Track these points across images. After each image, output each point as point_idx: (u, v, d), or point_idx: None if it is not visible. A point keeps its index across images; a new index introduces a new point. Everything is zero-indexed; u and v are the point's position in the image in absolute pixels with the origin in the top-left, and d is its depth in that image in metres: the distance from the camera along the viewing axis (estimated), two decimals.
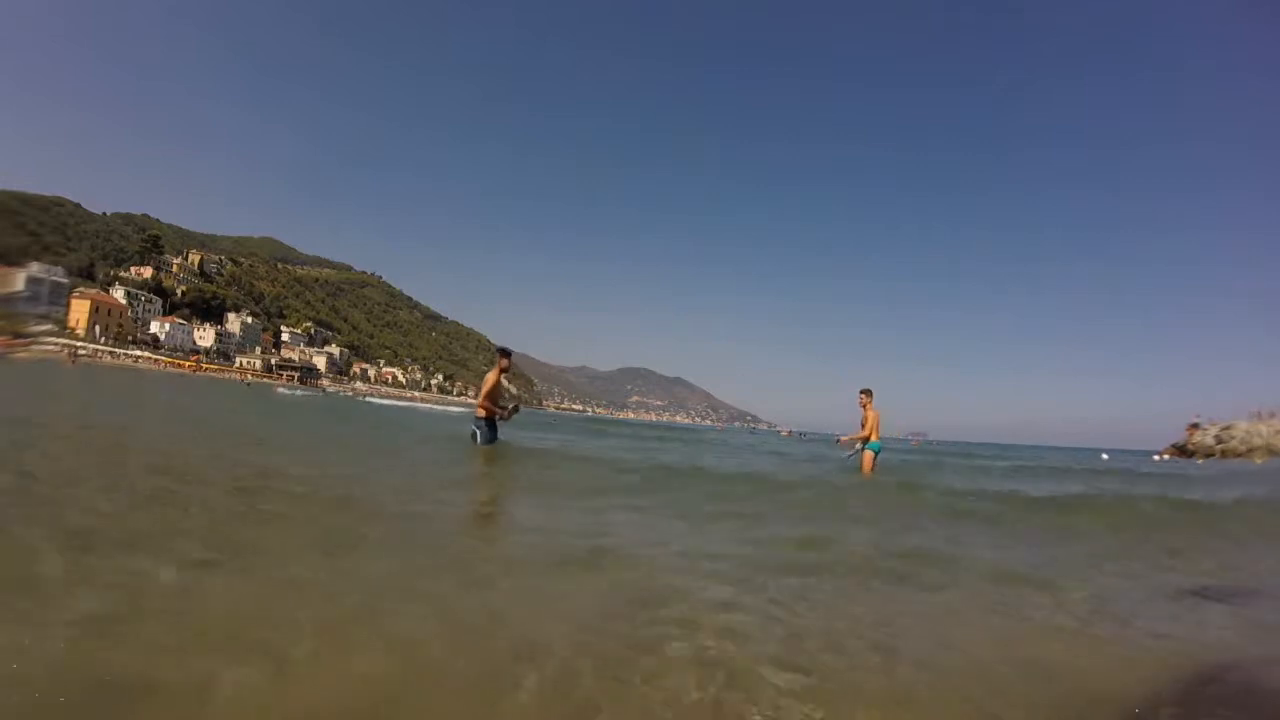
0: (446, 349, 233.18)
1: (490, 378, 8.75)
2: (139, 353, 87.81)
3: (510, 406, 9.07)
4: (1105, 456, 35.19)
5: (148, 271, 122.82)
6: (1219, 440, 38.77)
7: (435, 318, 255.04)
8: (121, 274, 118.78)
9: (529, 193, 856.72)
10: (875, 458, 9.84)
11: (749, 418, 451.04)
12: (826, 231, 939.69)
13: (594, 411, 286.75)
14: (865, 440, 9.86)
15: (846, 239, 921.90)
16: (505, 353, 8.97)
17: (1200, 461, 32.74)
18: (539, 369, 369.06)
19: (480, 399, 8.74)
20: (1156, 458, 38.57)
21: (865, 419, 9.84)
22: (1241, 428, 38.80)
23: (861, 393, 9.91)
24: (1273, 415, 38.40)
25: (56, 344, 65.31)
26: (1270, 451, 35.76)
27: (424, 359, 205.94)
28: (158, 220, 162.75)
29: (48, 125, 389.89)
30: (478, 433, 8.61)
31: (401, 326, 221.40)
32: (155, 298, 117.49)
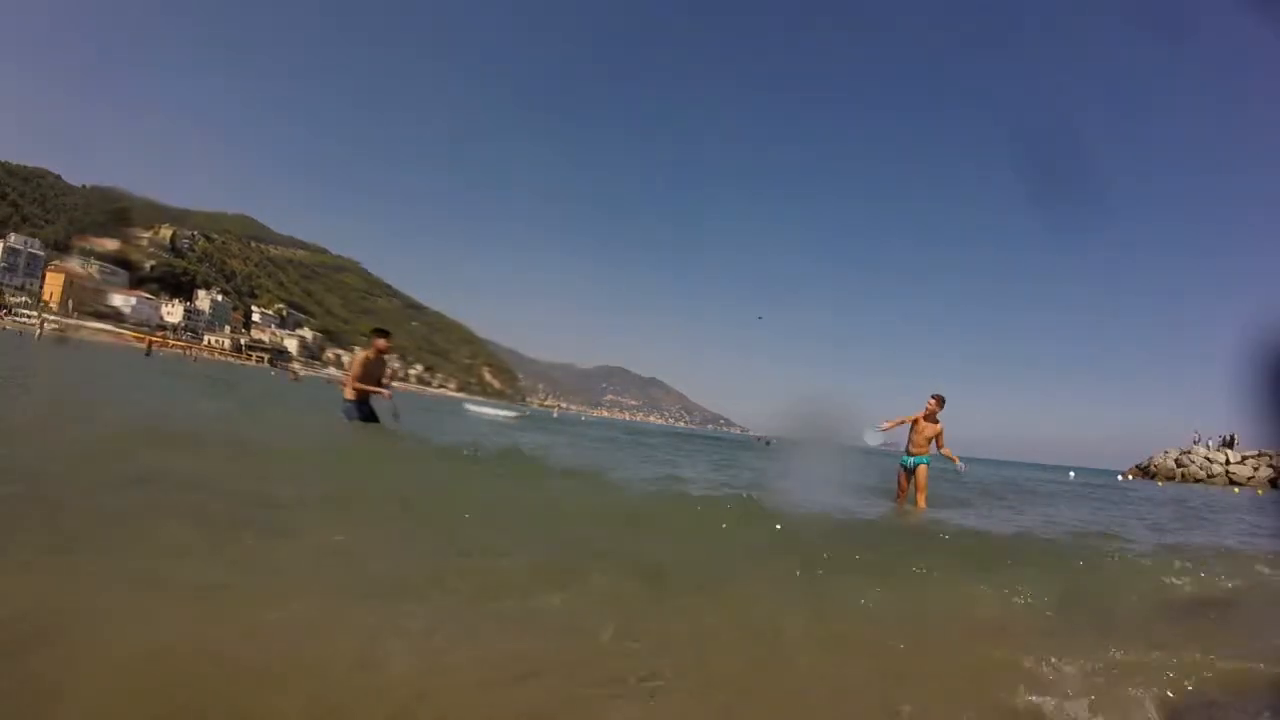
0: (427, 340, 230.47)
1: (360, 355, 7.88)
2: (97, 325, 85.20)
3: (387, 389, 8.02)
4: (1072, 475, 35.85)
5: (113, 244, 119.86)
6: (1179, 464, 39.81)
7: (417, 307, 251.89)
8: (80, 244, 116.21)
9: (521, 187, 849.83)
10: (927, 471, 7.94)
11: (723, 421, 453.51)
12: (805, 239, 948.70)
13: (560, 409, 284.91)
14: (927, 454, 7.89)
15: (827, 248, 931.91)
16: (382, 333, 8.16)
17: (1161, 484, 33.52)
18: (525, 365, 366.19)
19: (349, 379, 7.81)
20: (1121, 478, 39.44)
21: (926, 430, 7.86)
22: (1200, 453, 39.93)
23: (933, 398, 7.93)
24: (1231, 443, 39.49)
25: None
26: (1229, 479, 36.80)
27: (402, 349, 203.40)
28: (130, 193, 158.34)
29: (26, 97, 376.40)
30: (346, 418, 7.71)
31: (380, 314, 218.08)
32: (120, 270, 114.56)
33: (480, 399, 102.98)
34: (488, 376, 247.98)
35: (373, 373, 7.88)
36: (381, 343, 8.05)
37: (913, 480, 7.85)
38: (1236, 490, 31.13)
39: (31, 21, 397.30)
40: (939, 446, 7.88)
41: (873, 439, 8.16)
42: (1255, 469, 37.13)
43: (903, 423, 8.02)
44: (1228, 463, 38.21)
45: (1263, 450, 38.32)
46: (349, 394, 7.76)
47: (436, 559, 2.99)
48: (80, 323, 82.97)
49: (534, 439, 15.30)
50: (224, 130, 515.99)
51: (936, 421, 7.88)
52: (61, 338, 43.00)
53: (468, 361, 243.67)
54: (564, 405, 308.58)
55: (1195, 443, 40.94)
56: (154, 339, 63.09)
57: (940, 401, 7.93)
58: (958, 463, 8.16)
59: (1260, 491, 31.11)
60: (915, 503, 7.74)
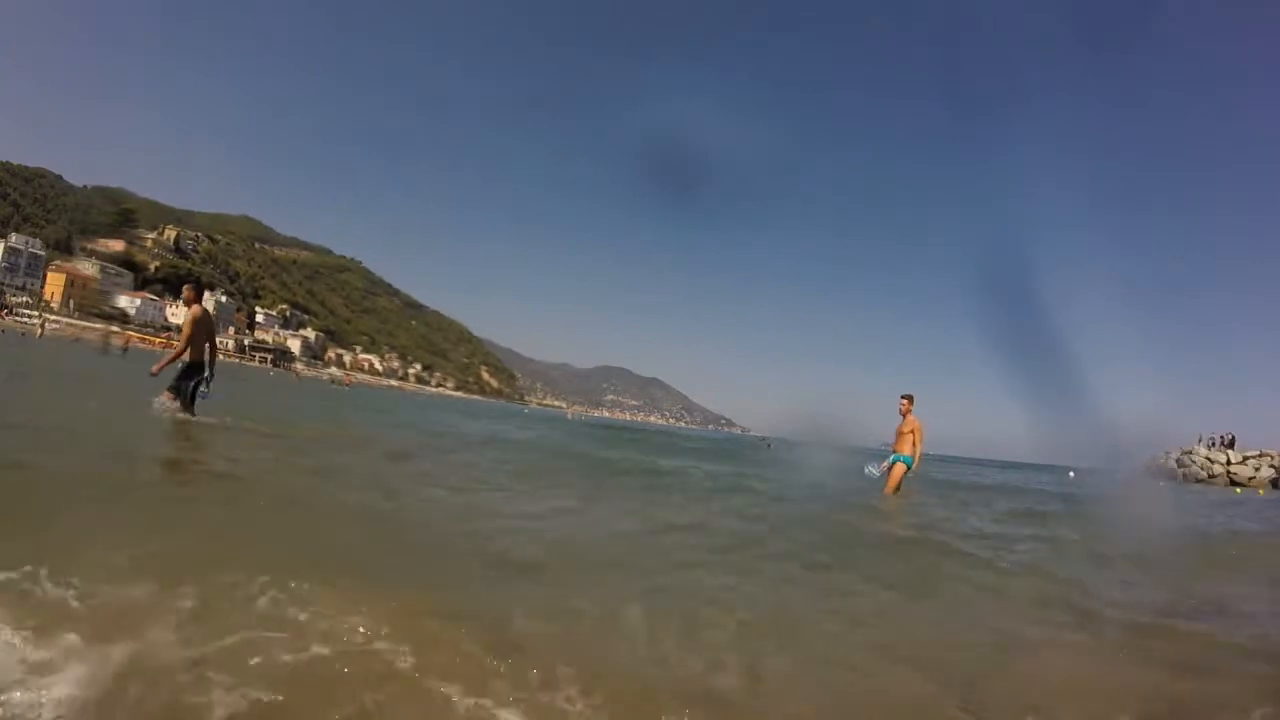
0: (426, 339, 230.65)
1: (195, 313, 6.77)
2: (102, 326, 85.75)
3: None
4: (1072, 475, 36.05)
5: (119, 245, 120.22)
6: (1180, 465, 39.90)
7: (416, 306, 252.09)
8: (87, 245, 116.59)
9: (517, 186, 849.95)
10: (906, 472, 8.51)
11: (724, 421, 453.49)
12: (807, 238, 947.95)
13: (571, 411, 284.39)
14: (908, 453, 8.53)
15: (832, 249, 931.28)
16: (189, 280, 7.33)
17: (1160, 484, 33.60)
18: (522, 364, 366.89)
19: (183, 341, 6.69)
20: None
21: (903, 428, 8.53)
22: (1201, 453, 40.02)
23: (903, 398, 8.65)
24: (1231, 444, 39.59)
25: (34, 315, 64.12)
26: (1230, 480, 36.88)
27: (402, 347, 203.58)
28: (133, 194, 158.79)
29: (29, 97, 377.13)
30: (179, 392, 6.60)
31: (380, 313, 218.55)
32: (125, 271, 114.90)
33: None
34: (486, 376, 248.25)
35: (204, 333, 6.93)
36: (189, 292, 7.10)
37: (889, 473, 8.64)
38: (1239, 490, 31.19)
39: (32, 21, 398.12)
40: (914, 444, 8.51)
41: (873, 470, 9.08)
42: (1257, 469, 37.23)
43: (888, 464, 8.71)
44: (1229, 463, 38.28)
45: (1264, 450, 38.41)
46: (187, 356, 6.78)
47: None
48: (84, 323, 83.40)
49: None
50: (226, 130, 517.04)
51: (911, 419, 8.57)
52: (106, 348, 43.20)
53: (466, 361, 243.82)
54: (560, 404, 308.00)
55: (1202, 444, 40.92)
56: (126, 335, 64.68)
57: (910, 400, 8.65)
58: (884, 466, 8.79)
59: (1261, 491, 31.16)
60: (886, 489, 8.57)
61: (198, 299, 7.05)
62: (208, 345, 6.94)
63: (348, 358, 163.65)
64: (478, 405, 78.86)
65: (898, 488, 8.50)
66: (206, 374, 6.85)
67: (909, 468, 8.52)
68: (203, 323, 6.92)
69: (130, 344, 51.34)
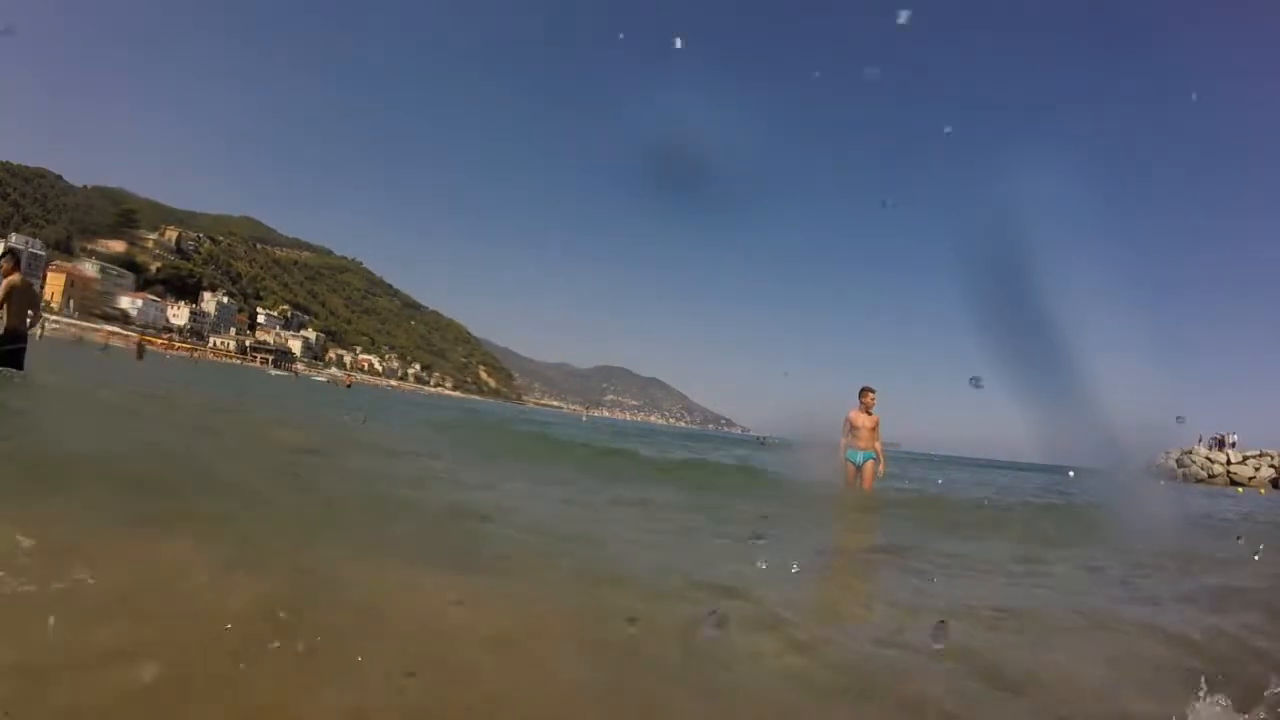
0: (425, 339, 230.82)
1: (14, 281, 7.10)
2: (109, 328, 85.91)
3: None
4: (1072, 474, 36.09)
5: (120, 245, 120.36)
6: (1180, 465, 39.94)
7: (415, 306, 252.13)
8: (87, 245, 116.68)
9: (517, 186, 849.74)
10: (875, 467, 8.13)
11: (724, 421, 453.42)
12: (809, 237, 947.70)
13: (569, 409, 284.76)
14: (873, 449, 8.16)
15: (833, 248, 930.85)
16: (8, 256, 7.38)
17: (1161, 484, 33.57)
18: (520, 364, 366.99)
19: (6, 313, 7.02)
20: None
21: (867, 423, 8.11)
22: (1201, 453, 40.07)
23: (868, 391, 8.21)
24: (1233, 444, 39.64)
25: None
26: (1230, 480, 36.93)
27: (402, 348, 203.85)
28: (134, 194, 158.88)
29: (29, 97, 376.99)
30: None
31: (380, 314, 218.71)
32: (127, 273, 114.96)
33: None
34: (484, 376, 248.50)
35: (25, 301, 7.33)
36: (6, 264, 7.31)
37: (860, 473, 8.15)
38: (1240, 490, 31.13)
39: (32, 21, 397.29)
40: (877, 439, 8.18)
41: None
42: (1257, 469, 37.26)
43: (846, 449, 8.26)
44: (1229, 463, 38.33)
45: (1264, 450, 38.42)
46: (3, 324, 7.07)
47: None
48: (85, 324, 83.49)
49: None
50: (227, 131, 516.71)
51: (872, 414, 8.19)
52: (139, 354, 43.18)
53: (464, 360, 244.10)
54: (557, 404, 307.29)
55: (1201, 444, 40.92)
56: (106, 332, 65.34)
57: (870, 393, 8.22)
58: (880, 468, 8.37)
59: (1262, 491, 31.10)
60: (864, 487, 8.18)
61: (16, 269, 7.39)
62: (30, 312, 7.55)
63: (348, 358, 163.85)
64: (472, 405, 78.73)
65: (869, 483, 8.22)
66: (24, 344, 7.39)
67: (875, 463, 8.21)
68: (23, 291, 7.37)
69: (110, 342, 51.70)
